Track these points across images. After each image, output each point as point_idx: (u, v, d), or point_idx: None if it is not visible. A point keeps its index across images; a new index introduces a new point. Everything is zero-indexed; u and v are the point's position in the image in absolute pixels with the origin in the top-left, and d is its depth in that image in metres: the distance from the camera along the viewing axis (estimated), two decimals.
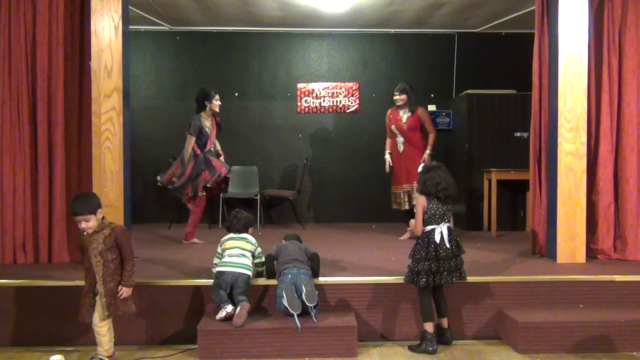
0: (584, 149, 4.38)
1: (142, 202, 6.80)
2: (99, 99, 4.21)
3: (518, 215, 6.47)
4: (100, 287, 3.12)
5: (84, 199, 3.17)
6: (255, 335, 3.37)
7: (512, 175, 6.07)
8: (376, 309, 3.74)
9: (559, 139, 4.37)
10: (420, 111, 5.59)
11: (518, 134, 6.39)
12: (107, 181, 4.21)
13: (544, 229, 4.62)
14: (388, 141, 5.79)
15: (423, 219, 3.49)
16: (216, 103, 5.36)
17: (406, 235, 5.64)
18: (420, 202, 3.52)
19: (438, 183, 3.48)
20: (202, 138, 5.32)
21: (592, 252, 4.56)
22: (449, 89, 7.22)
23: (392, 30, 7.17)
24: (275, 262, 3.75)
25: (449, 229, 3.49)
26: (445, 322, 3.60)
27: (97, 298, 3.14)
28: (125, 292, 3.15)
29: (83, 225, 3.10)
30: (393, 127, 5.62)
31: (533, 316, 3.58)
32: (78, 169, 4.46)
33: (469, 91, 6.58)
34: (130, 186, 4.47)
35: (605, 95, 4.57)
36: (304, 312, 3.40)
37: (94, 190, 4.19)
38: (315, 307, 3.43)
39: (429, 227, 3.48)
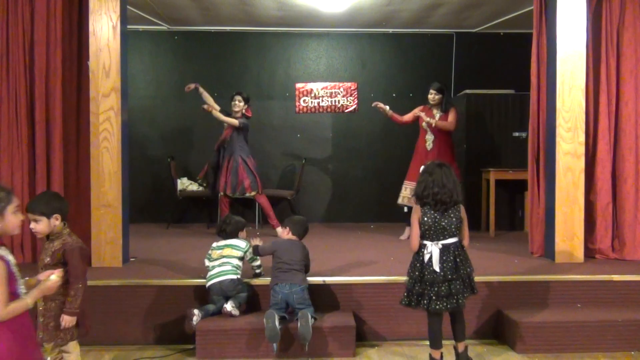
0: (582, 149, 4.38)
1: (141, 202, 6.78)
2: (97, 99, 4.20)
3: (516, 215, 6.47)
4: (39, 304, 2.69)
5: (43, 198, 2.80)
6: (254, 335, 3.37)
7: (510, 175, 6.07)
8: (374, 309, 3.74)
9: (557, 138, 4.38)
10: (451, 109, 5.50)
11: (516, 134, 6.39)
12: (105, 181, 4.20)
13: (542, 229, 4.63)
14: (398, 116, 5.65)
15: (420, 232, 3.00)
16: (232, 103, 5.82)
17: (406, 235, 5.61)
18: (415, 212, 3.01)
19: (425, 187, 2.94)
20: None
21: (590, 252, 4.56)
22: (447, 88, 7.20)
23: (390, 30, 7.16)
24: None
25: (443, 248, 2.95)
26: (460, 347, 3.13)
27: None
28: (66, 321, 2.67)
29: (32, 225, 2.67)
30: (424, 124, 5.54)
31: (531, 316, 3.58)
32: (76, 168, 4.45)
33: (468, 91, 6.58)
34: (129, 186, 4.46)
35: (603, 95, 4.57)
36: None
37: (93, 190, 4.20)
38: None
39: (423, 242, 3.01)
